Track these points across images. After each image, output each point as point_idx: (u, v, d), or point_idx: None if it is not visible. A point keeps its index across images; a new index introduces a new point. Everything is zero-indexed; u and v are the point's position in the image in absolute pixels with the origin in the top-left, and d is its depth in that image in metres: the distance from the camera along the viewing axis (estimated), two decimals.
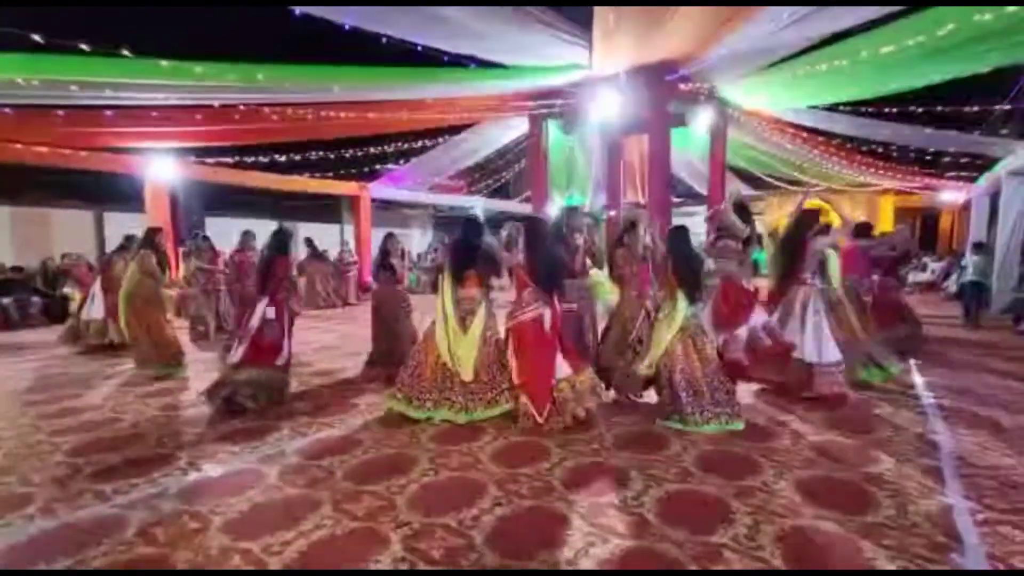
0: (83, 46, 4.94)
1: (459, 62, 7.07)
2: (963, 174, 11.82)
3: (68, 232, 12.71)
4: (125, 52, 5.20)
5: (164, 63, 5.11)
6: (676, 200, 13.90)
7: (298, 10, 5.03)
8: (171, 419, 3.81)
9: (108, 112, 7.14)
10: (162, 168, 9.77)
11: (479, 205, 16.99)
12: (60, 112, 7.08)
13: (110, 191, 12.26)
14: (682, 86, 8.97)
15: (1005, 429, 3.53)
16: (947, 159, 10.77)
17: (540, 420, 3.45)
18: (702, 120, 9.99)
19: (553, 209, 13.63)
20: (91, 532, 2.31)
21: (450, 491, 2.66)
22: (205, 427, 3.61)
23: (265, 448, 3.24)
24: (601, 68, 8.37)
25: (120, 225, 12.58)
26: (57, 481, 2.81)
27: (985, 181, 11.10)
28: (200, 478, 2.85)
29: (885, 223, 16.55)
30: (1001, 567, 2.03)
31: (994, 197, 10.47)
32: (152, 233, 5.54)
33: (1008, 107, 8.60)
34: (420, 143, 11.35)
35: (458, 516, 2.40)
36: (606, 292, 4.74)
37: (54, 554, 2.16)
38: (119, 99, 6.43)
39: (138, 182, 10.02)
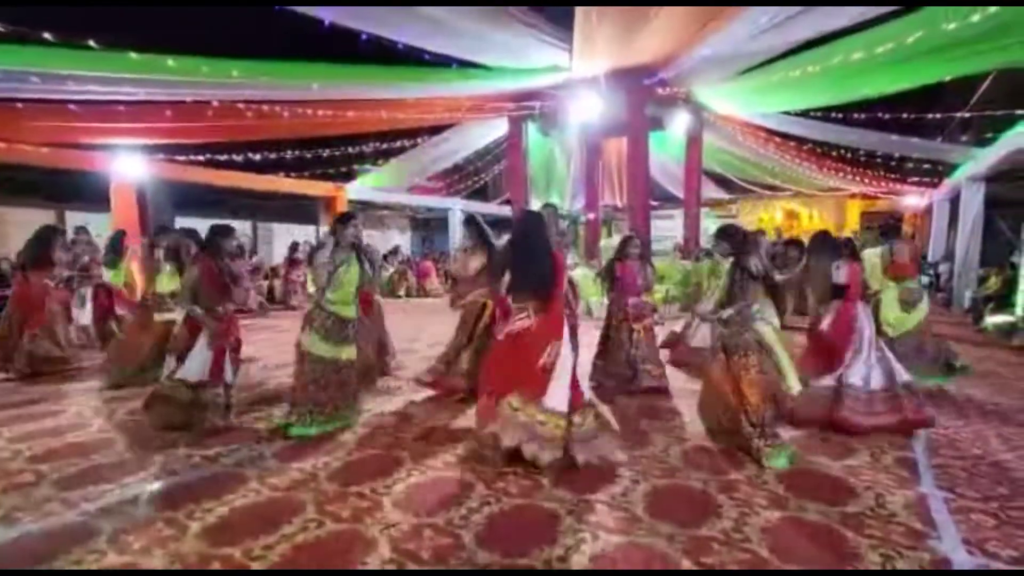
0: (47, 35, 4.74)
1: (440, 62, 7.04)
2: (925, 179, 12.33)
3: (26, 231, 12.13)
4: (91, 43, 5.01)
5: (135, 55, 4.93)
6: (654, 203, 14.09)
7: (276, 6, 4.92)
8: (140, 424, 3.64)
9: (72, 106, 6.86)
10: (129, 166, 9.42)
11: (457, 207, 16.91)
12: (19, 105, 6.77)
13: (73, 189, 11.77)
14: (659, 90, 9.12)
15: (971, 420, 3.67)
16: (910, 165, 11.25)
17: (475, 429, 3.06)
18: (679, 124, 10.17)
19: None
20: (59, 540, 2.19)
21: (438, 491, 2.62)
22: (178, 432, 3.48)
23: (243, 451, 3.14)
24: (581, 71, 8.45)
25: (84, 224, 12.10)
26: (20, 489, 2.66)
27: (946, 186, 11.61)
28: (174, 483, 2.74)
29: (851, 226, 17.14)
30: (976, 552, 2.11)
31: (954, 201, 10.97)
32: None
33: (968, 115, 9.01)
34: (399, 143, 11.24)
35: (447, 515, 2.36)
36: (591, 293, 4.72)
37: (20, 563, 2.05)
38: (84, 93, 6.18)
39: (103, 180, 9.63)
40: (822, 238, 4.06)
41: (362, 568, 2.01)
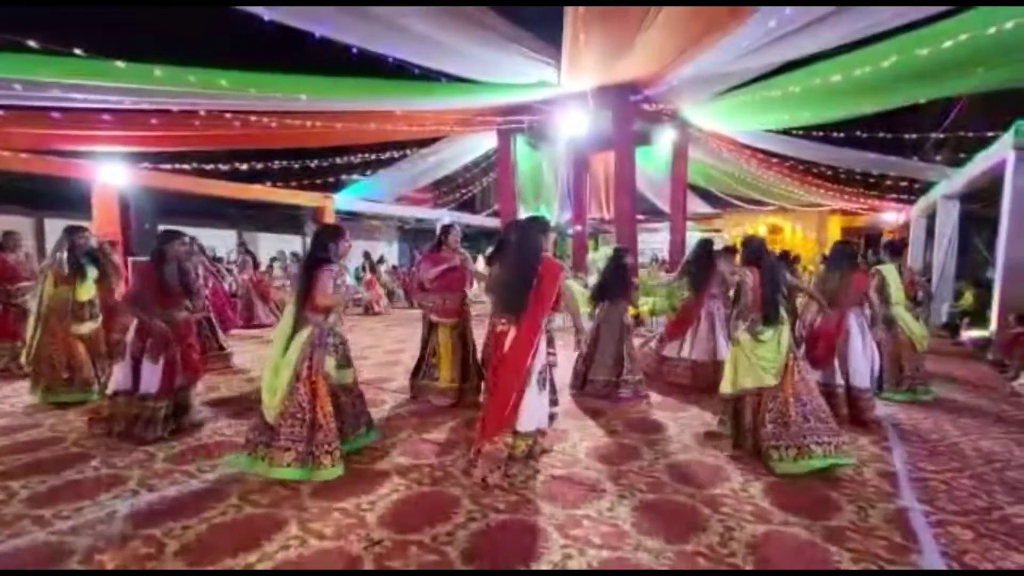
0: (31, 43, 4.68)
1: (429, 76, 7.08)
2: (903, 197, 12.66)
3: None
4: (77, 52, 4.96)
5: (121, 64, 4.90)
6: (640, 217, 14.26)
7: (267, 16, 4.92)
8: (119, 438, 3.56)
9: (55, 114, 6.77)
10: (112, 173, 9.30)
11: (446, 218, 16.93)
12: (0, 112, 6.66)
13: (52, 196, 11.55)
14: (646, 107, 9.27)
15: (948, 434, 3.74)
16: (888, 182, 11.56)
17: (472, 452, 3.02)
18: (665, 139, 10.36)
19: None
20: (29, 561, 2.12)
21: (422, 506, 2.59)
22: (156, 446, 3.40)
23: (223, 467, 3.07)
24: (569, 87, 8.57)
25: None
26: None
27: (922, 203, 11.93)
28: (152, 500, 2.66)
29: (832, 240, 17.49)
30: (955, 565, 2.14)
31: (931, 218, 11.26)
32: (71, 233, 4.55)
33: (942, 135, 9.31)
34: (388, 154, 11.25)
35: (432, 532, 2.34)
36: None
37: None
38: (68, 100, 6.10)
39: (84, 187, 9.49)
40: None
41: None
